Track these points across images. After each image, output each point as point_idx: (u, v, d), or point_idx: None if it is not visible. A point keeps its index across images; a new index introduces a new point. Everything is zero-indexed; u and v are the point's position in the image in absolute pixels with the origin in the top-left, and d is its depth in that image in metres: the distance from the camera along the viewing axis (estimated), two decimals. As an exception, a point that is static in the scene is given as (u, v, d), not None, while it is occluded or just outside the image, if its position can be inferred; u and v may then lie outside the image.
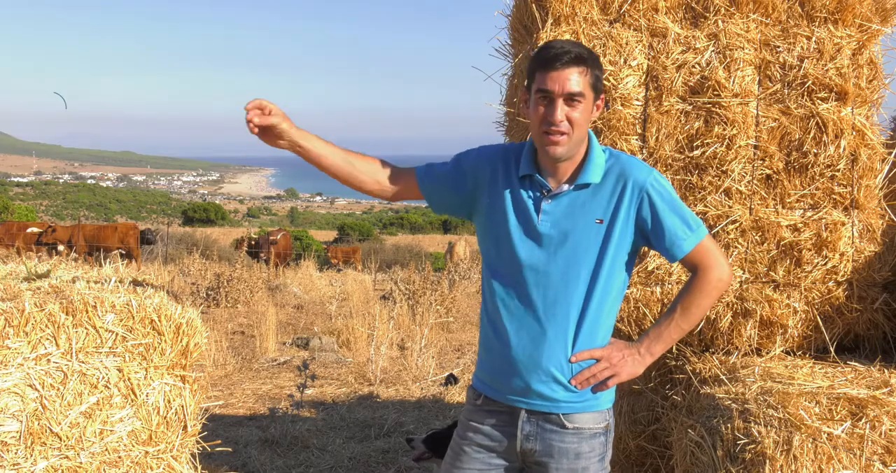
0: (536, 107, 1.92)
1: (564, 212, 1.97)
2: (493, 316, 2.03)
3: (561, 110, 1.88)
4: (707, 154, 2.86)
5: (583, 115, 1.90)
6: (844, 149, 2.87)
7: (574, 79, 1.87)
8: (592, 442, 2.00)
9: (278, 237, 18.86)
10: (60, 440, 2.19)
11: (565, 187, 1.98)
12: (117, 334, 2.26)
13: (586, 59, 1.88)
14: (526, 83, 1.98)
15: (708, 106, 2.87)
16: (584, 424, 1.99)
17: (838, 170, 2.88)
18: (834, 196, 2.89)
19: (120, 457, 2.27)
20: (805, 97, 2.88)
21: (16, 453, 2.14)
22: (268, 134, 1.96)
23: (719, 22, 2.92)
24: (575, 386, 1.97)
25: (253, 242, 18.74)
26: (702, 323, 2.88)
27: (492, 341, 2.04)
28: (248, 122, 1.91)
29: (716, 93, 2.85)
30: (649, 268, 2.90)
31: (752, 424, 2.21)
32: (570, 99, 1.88)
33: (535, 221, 1.97)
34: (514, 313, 1.99)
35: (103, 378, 2.24)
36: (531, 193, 2.00)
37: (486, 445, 2.06)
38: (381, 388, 6.51)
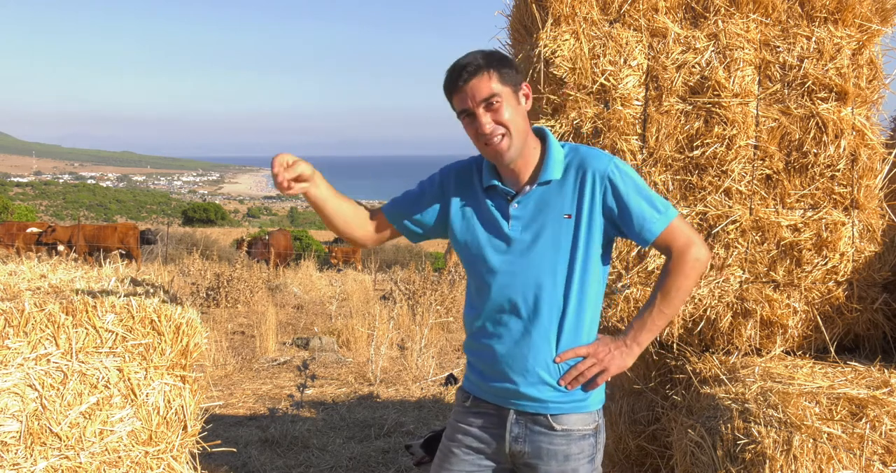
0: (467, 128, 1.95)
1: (532, 212, 1.97)
2: (477, 322, 2.03)
3: (485, 119, 1.90)
4: (707, 154, 2.86)
5: (510, 111, 1.91)
6: (844, 149, 2.87)
7: (481, 86, 1.89)
8: (581, 444, 1.99)
9: (275, 235, 18.85)
10: (60, 440, 2.19)
11: (528, 188, 1.98)
12: (117, 334, 2.26)
13: (483, 64, 1.89)
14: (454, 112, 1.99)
15: (708, 106, 2.87)
16: (572, 426, 1.98)
17: (838, 170, 2.88)
18: (834, 196, 2.89)
19: (120, 457, 2.27)
20: (805, 97, 2.88)
21: (16, 453, 2.14)
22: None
23: (719, 22, 2.92)
24: (564, 387, 1.96)
25: (245, 243, 18.67)
26: (702, 323, 2.88)
27: (477, 345, 2.04)
28: (279, 182, 1.89)
29: (716, 93, 2.85)
30: (649, 268, 2.90)
31: (752, 424, 2.21)
32: (488, 104, 1.90)
33: (506, 228, 1.98)
34: (497, 318, 1.99)
35: (103, 378, 2.24)
36: (497, 202, 2.01)
37: (476, 446, 2.05)
38: (381, 388, 6.51)
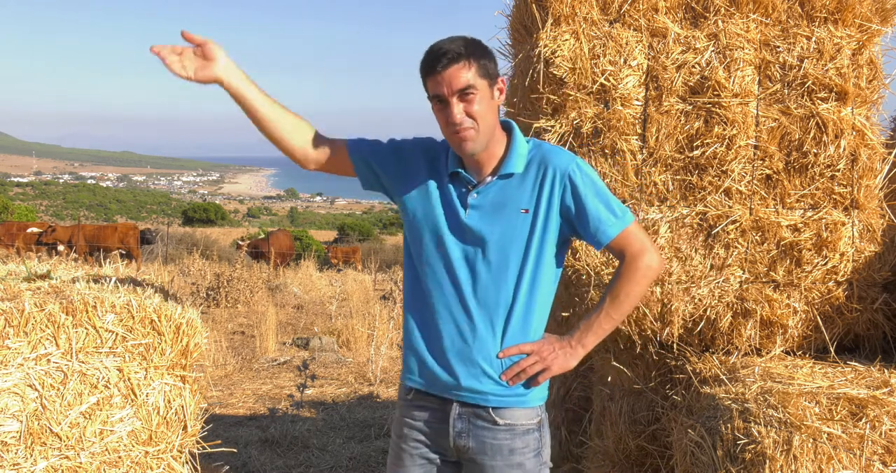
0: (437, 114, 1.94)
1: (491, 203, 1.97)
2: (421, 310, 2.02)
3: (457, 109, 1.88)
4: (707, 154, 2.86)
5: (482, 105, 1.90)
6: (844, 149, 2.87)
7: (459, 75, 1.86)
8: (526, 438, 1.99)
9: (275, 235, 18.84)
10: (60, 440, 2.19)
11: (489, 179, 1.98)
12: (117, 334, 2.26)
13: (464, 52, 1.87)
14: (425, 92, 1.97)
15: (708, 106, 2.87)
16: (515, 420, 1.98)
17: (838, 170, 2.88)
18: (834, 196, 2.89)
19: (120, 457, 2.27)
20: (805, 97, 2.88)
21: (16, 453, 2.14)
22: (200, 64, 1.89)
23: (719, 22, 2.92)
24: (506, 382, 1.96)
25: (245, 245, 18.57)
26: (702, 323, 2.88)
27: (420, 336, 2.02)
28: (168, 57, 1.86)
29: (716, 93, 2.85)
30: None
31: (752, 424, 2.21)
32: (463, 94, 1.88)
33: (463, 215, 1.97)
34: (443, 307, 1.97)
35: (103, 378, 2.24)
36: (458, 189, 2.01)
37: (422, 440, 2.05)
38: (381, 388, 6.51)
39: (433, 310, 1.99)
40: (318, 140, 2.07)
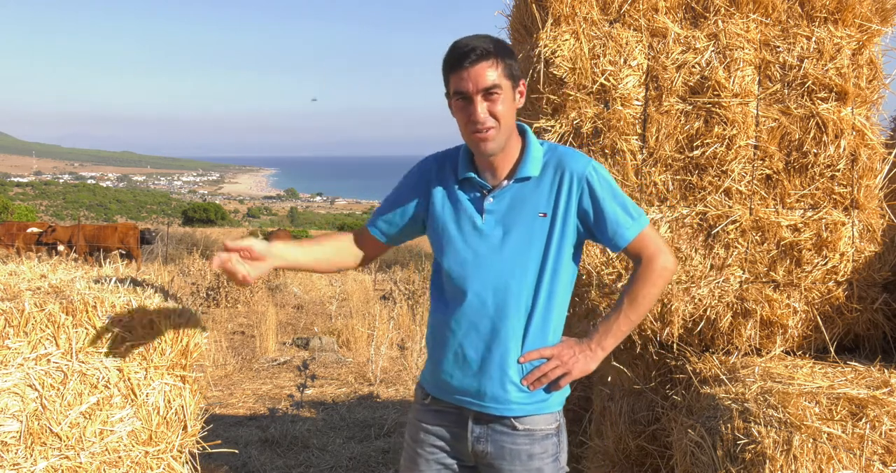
0: (458, 111, 1.91)
1: (507, 208, 1.96)
2: (443, 318, 2.01)
3: (481, 107, 1.86)
4: (707, 154, 2.86)
5: (505, 106, 1.88)
6: (844, 149, 2.87)
7: (485, 73, 1.84)
8: (545, 443, 1.98)
9: (276, 235, 18.84)
10: (60, 440, 2.19)
11: (505, 183, 1.97)
12: (117, 334, 2.26)
13: (493, 51, 1.85)
14: (444, 89, 1.95)
15: (708, 106, 2.87)
16: (535, 426, 1.97)
17: (838, 170, 2.88)
18: (834, 196, 2.89)
19: (120, 457, 2.27)
20: (805, 97, 2.88)
21: (16, 453, 2.14)
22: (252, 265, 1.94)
23: (719, 22, 2.92)
24: (527, 387, 1.95)
25: None
26: (702, 323, 2.88)
27: (442, 342, 2.02)
28: (233, 274, 1.88)
29: (716, 93, 2.85)
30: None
31: (752, 424, 2.21)
32: (488, 93, 1.86)
33: (479, 221, 1.97)
34: (464, 314, 1.96)
35: (103, 378, 2.24)
36: (472, 194, 2.00)
37: (439, 445, 2.04)
38: (381, 388, 6.51)
39: (455, 318, 1.98)
40: (357, 245, 2.17)
